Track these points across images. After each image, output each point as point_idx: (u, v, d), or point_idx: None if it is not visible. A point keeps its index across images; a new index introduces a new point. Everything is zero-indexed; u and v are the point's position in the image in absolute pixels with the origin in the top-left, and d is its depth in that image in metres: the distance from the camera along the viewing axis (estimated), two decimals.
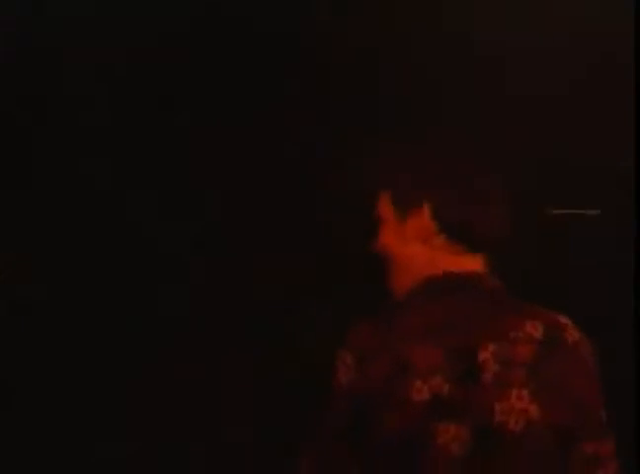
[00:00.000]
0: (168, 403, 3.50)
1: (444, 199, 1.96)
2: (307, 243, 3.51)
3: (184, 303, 3.56)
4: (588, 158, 3.46)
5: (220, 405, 3.50)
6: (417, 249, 1.99)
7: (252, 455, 3.44)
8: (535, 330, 1.88)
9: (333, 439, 1.90)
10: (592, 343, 1.92)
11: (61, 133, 3.60)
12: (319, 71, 3.57)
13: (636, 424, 2.91)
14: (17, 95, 3.59)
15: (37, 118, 3.60)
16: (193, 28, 3.60)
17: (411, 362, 1.84)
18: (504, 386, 1.83)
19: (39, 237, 3.58)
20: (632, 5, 3.27)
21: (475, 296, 1.93)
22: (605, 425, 1.88)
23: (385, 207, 2.03)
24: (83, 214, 3.60)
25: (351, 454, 1.89)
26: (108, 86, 3.61)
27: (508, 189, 2.02)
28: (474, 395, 1.83)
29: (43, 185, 3.61)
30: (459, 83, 3.51)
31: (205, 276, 3.57)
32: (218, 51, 3.61)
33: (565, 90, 3.47)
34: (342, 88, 3.56)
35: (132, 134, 3.61)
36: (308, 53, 3.57)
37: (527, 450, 1.83)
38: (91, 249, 3.59)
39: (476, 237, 1.97)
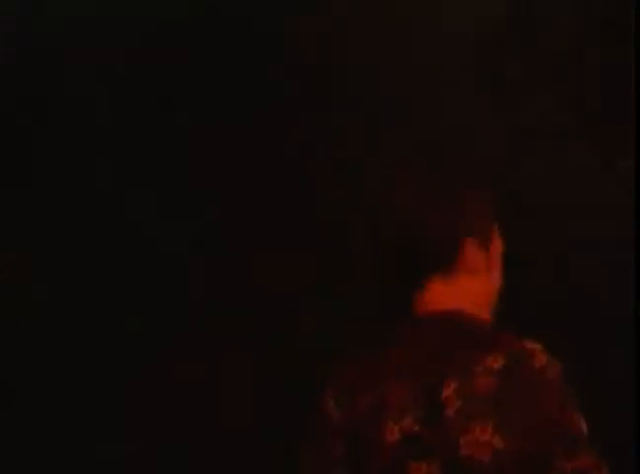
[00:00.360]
0: (168, 403, 3.50)
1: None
2: (307, 243, 3.52)
3: (184, 303, 3.56)
4: (587, 158, 3.46)
5: (220, 405, 3.51)
6: None
7: (252, 455, 3.44)
8: (496, 362, 1.92)
9: (330, 447, 1.97)
10: (560, 365, 1.94)
11: (61, 133, 3.60)
12: (319, 71, 3.57)
13: (636, 424, 2.91)
14: (17, 95, 3.59)
15: (37, 118, 3.60)
16: (193, 28, 3.60)
17: (384, 404, 1.94)
18: (467, 420, 1.88)
19: (39, 237, 3.58)
20: (632, 5, 3.28)
21: (443, 335, 1.97)
22: (583, 440, 1.90)
23: None
24: (83, 214, 3.59)
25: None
26: (108, 86, 3.61)
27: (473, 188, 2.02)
28: (440, 432, 1.90)
29: (43, 185, 3.61)
30: (459, 83, 3.51)
31: (205, 276, 3.57)
32: (218, 51, 3.61)
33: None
34: (342, 88, 3.56)
35: (132, 134, 3.61)
36: (308, 53, 3.57)
37: None
38: (91, 249, 3.58)
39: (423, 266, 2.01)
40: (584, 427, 1.89)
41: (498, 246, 2.08)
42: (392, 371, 1.95)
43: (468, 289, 2.02)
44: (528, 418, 1.86)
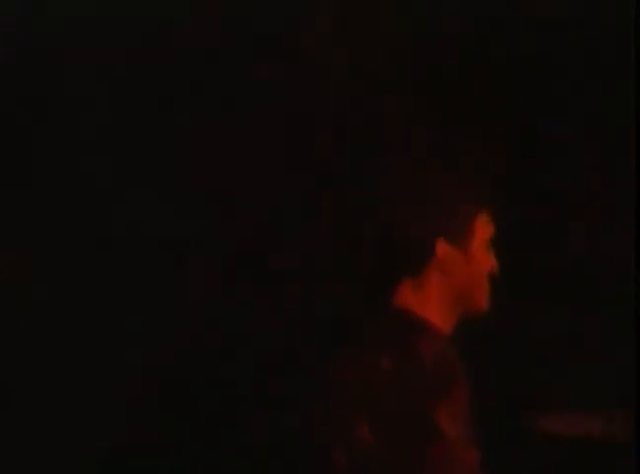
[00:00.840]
0: (168, 402, 3.50)
1: None
2: (308, 243, 3.52)
3: (184, 303, 3.56)
4: (587, 158, 3.47)
5: (219, 405, 3.51)
6: None
7: (251, 454, 3.44)
8: (384, 361, 1.98)
9: None
10: (458, 363, 1.98)
11: (61, 133, 3.60)
12: (319, 71, 3.57)
13: (636, 423, 2.91)
14: (17, 95, 3.58)
15: (37, 118, 3.60)
16: (193, 27, 3.60)
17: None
18: (353, 414, 2.03)
19: (39, 237, 3.58)
20: (632, 5, 3.28)
21: (381, 337, 2.00)
22: (448, 448, 1.94)
23: None
24: (83, 214, 3.59)
25: None
26: (108, 86, 3.61)
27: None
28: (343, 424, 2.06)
29: (43, 185, 3.61)
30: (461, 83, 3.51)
31: (205, 277, 3.57)
32: (218, 51, 3.61)
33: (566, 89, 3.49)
34: (342, 88, 3.56)
35: (132, 134, 3.61)
36: (308, 53, 3.57)
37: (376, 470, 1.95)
38: (91, 249, 3.58)
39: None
40: (454, 434, 1.92)
41: (482, 235, 2.10)
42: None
43: (440, 289, 2.06)
44: (396, 419, 1.91)
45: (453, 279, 2.08)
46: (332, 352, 2.14)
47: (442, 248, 2.06)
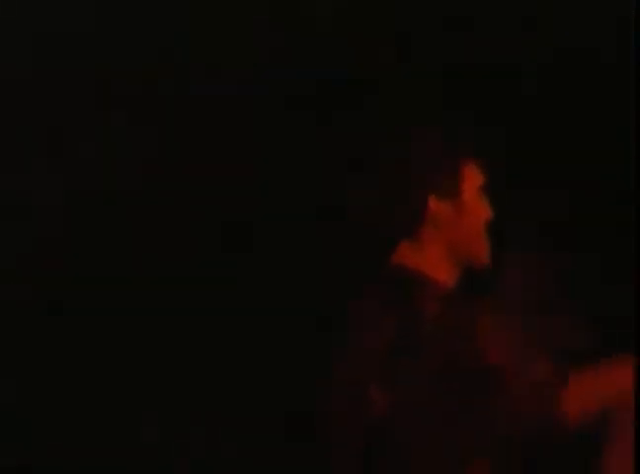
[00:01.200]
0: (170, 402, 3.51)
1: None
2: (309, 244, 3.53)
3: (184, 303, 3.57)
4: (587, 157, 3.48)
5: (221, 404, 3.52)
6: None
7: (252, 451, 3.45)
8: (388, 326, 2.00)
9: None
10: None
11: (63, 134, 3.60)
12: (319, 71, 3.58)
13: (637, 424, 2.92)
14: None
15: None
16: (193, 28, 3.61)
17: None
18: (364, 381, 2.02)
19: (39, 237, 3.58)
20: (632, 5, 3.28)
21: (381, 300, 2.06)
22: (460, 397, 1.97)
23: None
24: (83, 214, 3.60)
25: None
26: (108, 85, 3.61)
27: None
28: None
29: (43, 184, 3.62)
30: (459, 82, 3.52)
31: (206, 277, 3.58)
32: (219, 51, 3.61)
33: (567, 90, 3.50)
34: (343, 87, 3.57)
35: (132, 134, 3.61)
36: (309, 52, 3.58)
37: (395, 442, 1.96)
38: (91, 249, 3.59)
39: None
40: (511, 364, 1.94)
41: (473, 185, 2.12)
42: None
43: (438, 245, 2.08)
44: (412, 381, 1.92)
45: (450, 234, 2.11)
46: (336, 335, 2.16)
47: (435, 204, 2.09)
